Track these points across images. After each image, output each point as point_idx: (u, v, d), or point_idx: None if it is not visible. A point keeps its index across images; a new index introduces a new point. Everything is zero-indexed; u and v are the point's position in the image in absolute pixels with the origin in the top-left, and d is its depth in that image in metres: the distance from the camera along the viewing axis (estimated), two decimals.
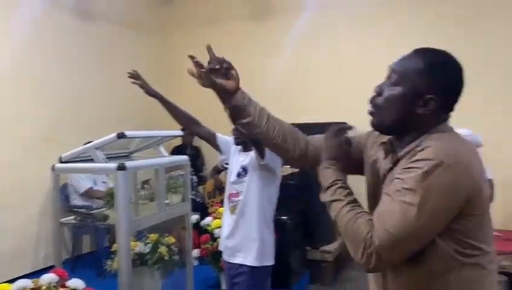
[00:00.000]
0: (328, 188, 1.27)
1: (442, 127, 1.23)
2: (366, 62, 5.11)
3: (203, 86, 1.99)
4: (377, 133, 1.39)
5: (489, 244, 1.21)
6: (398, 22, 5.26)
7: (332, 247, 4.49)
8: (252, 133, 1.51)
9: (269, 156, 2.41)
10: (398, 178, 1.15)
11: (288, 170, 4.15)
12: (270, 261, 2.56)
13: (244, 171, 2.56)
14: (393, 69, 1.27)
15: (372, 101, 1.30)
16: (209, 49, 1.45)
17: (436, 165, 1.09)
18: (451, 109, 1.26)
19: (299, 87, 5.59)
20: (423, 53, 1.25)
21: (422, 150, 1.15)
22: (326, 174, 1.31)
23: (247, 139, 2.50)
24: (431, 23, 5.08)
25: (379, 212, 1.15)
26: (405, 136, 1.26)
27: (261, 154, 2.42)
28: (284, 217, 3.73)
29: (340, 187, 1.26)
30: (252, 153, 2.51)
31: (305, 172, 4.04)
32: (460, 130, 3.70)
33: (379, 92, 1.28)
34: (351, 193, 1.25)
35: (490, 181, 3.47)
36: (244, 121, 1.44)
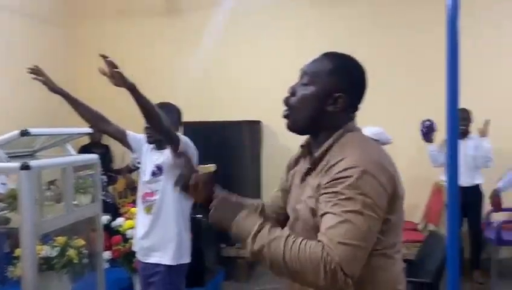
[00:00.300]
0: (258, 233, 1.20)
1: (350, 125, 1.35)
2: (281, 61, 5.26)
3: (116, 85, 1.96)
4: (293, 158, 1.48)
5: (398, 236, 1.32)
6: (314, 20, 5.48)
7: None
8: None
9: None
10: (328, 192, 1.20)
11: (205, 169, 4.15)
12: (186, 259, 2.57)
13: (159, 170, 2.53)
14: (305, 71, 1.37)
15: (286, 102, 1.37)
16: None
17: (363, 171, 1.18)
18: (357, 107, 1.39)
19: (212, 85, 5.60)
20: (331, 56, 1.38)
21: (342, 160, 1.22)
22: (245, 224, 1.23)
23: (161, 138, 2.47)
24: (348, 22, 5.37)
25: (326, 230, 1.16)
26: (319, 135, 1.35)
27: (176, 152, 2.41)
28: (199, 216, 3.73)
29: (271, 227, 1.22)
30: (167, 152, 2.49)
31: (221, 170, 4.04)
32: (372, 128, 3.97)
33: (292, 93, 1.37)
34: (282, 229, 1.23)
35: None
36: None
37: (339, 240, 1.12)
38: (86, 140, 5.46)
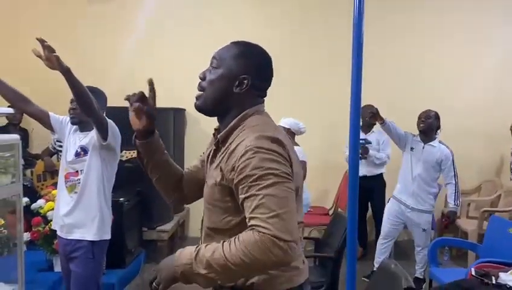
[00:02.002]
0: (196, 256, 1.27)
1: (257, 108, 1.46)
2: (204, 50, 5.35)
3: (51, 68, 2.02)
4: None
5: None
6: (244, 9, 5.67)
7: (168, 226, 4.70)
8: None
9: (111, 136, 2.51)
10: (239, 180, 1.29)
11: (127, 154, 4.20)
12: (108, 235, 2.68)
13: (83, 150, 2.60)
14: (214, 56, 1.49)
15: (199, 86, 1.49)
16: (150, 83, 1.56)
17: (261, 148, 1.29)
18: (263, 92, 1.51)
19: (141, 73, 5.59)
20: (239, 43, 1.51)
21: (240, 143, 1.33)
22: (183, 258, 1.29)
23: (86, 119, 2.53)
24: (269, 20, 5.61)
25: (252, 213, 1.24)
26: (226, 116, 1.46)
27: (103, 135, 2.50)
28: (121, 199, 3.79)
29: (205, 246, 1.28)
30: (92, 133, 2.56)
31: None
32: (285, 119, 4.23)
33: (203, 77, 1.49)
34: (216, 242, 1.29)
35: (304, 163, 4.07)
36: (143, 159, 1.61)
37: (266, 216, 1.21)
38: (3, 121, 5.26)
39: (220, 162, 1.40)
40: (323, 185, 5.62)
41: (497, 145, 5.33)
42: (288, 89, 5.55)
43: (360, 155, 4.86)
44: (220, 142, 1.45)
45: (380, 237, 4.27)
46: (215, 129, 1.53)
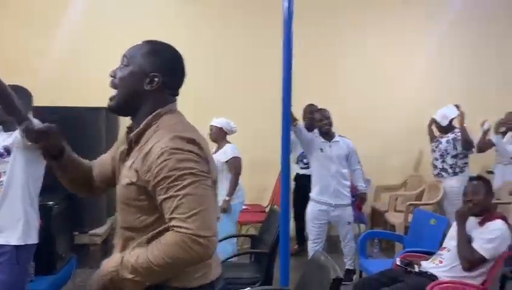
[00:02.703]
0: (122, 262, 1.31)
1: (169, 107, 1.46)
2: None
3: None
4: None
5: None
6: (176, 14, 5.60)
7: (101, 230, 4.56)
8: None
9: None
10: (157, 182, 1.29)
11: None
12: (34, 240, 2.57)
13: (6, 151, 2.48)
14: (125, 54, 1.48)
15: (111, 84, 1.47)
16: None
17: (176, 149, 1.30)
18: (175, 91, 1.50)
19: (72, 71, 5.40)
20: (149, 41, 1.51)
21: (155, 144, 1.33)
22: (109, 263, 1.34)
23: (8, 119, 2.42)
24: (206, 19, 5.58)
25: (172, 214, 1.27)
26: (138, 115, 1.45)
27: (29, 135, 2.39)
28: (49, 203, 3.64)
29: (129, 252, 1.33)
30: (16, 133, 2.45)
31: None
32: (217, 119, 4.26)
33: (113, 75, 1.47)
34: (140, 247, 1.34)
35: (238, 158, 4.16)
36: (54, 165, 1.57)
37: (186, 216, 1.25)
38: None
39: (133, 162, 1.39)
40: (260, 182, 5.70)
41: (421, 142, 5.65)
42: (224, 88, 5.62)
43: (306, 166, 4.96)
44: (133, 141, 1.44)
45: (309, 241, 4.28)
46: (128, 128, 1.50)
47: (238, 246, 4.51)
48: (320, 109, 4.32)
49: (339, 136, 4.27)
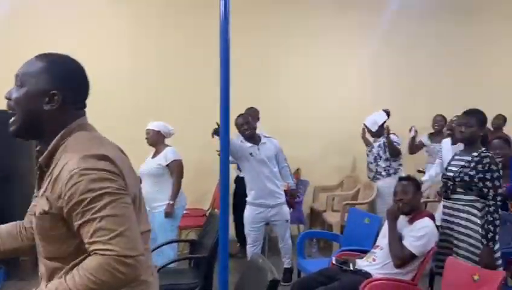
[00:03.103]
0: None
1: (78, 122, 1.35)
2: (76, 49, 5.08)
3: None
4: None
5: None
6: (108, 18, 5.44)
7: None
8: None
9: None
10: (71, 207, 1.22)
11: None
12: None
13: None
14: (17, 73, 1.35)
15: (7, 106, 1.35)
16: None
17: (87, 169, 1.22)
18: (80, 104, 1.40)
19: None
20: (43, 56, 1.37)
21: (64, 167, 1.24)
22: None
23: None
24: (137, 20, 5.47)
25: (92, 238, 1.20)
26: (44, 137, 1.34)
27: None
28: None
29: (45, 285, 1.24)
30: None
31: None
32: (155, 122, 4.18)
33: (9, 97, 1.34)
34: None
35: (179, 161, 4.12)
36: None
37: (107, 238, 1.18)
38: None
39: (45, 189, 1.29)
40: (201, 186, 5.67)
41: (357, 144, 5.85)
42: (164, 90, 5.53)
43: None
44: (43, 166, 1.34)
45: (248, 244, 4.29)
46: (37, 151, 1.39)
47: (179, 251, 4.46)
48: (241, 114, 4.30)
49: (265, 136, 4.29)
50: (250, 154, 4.15)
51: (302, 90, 6.05)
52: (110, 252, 1.18)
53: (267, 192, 4.15)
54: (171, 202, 4.05)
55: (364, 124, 5.22)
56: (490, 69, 6.65)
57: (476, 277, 2.58)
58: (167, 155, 4.12)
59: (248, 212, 4.26)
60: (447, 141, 4.67)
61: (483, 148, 3.03)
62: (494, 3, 6.68)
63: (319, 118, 6.04)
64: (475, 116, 3.04)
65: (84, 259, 1.24)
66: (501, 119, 5.89)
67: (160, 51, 5.54)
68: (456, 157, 3.14)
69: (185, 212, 4.41)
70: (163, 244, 3.75)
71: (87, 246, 1.21)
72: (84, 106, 1.41)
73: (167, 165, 4.09)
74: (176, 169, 4.11)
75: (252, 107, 4.99)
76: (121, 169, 1.29)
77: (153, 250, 3.76)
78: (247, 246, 4.29)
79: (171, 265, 3.55)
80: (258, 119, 4.97)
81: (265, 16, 5.87)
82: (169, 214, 4.04)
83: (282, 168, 4.37)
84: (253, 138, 4.21)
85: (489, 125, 4.63)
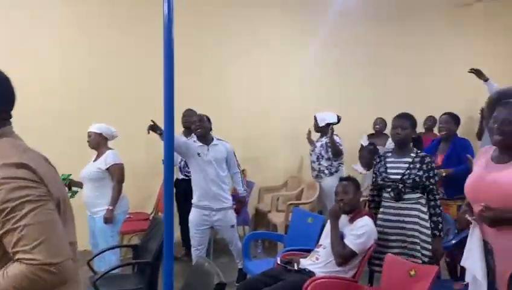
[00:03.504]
0: None
1: (3, 131, 1.37)
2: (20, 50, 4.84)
3: None
4: None
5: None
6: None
7: None
8: None
9: None
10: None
11: None
12: None
13: None
14: None
15: None
16: None
17: (5, 178, 1.22)
18: (6, 114, 1.40)
19: None
20: None
21: None
22: None
23: None
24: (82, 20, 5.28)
25: (15, 247, 1.19)
26: None
27: None
28: None
29: None
30: None
31: None
32: (97, 124, 4.04)
33: None
34: None
35: (119, 165, 3.97)
36: None
37: (31, 247, 1.19)
38: None
39: None
40: (145, 189, 5.57)
41: (300, 145, 5.97)
42: (107, 91, 5.37)
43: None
44: None
45: (193, 247, 4.23)
46: None
47: (121, 256, 4.35)
48: (198, 114, 4.29)
49: (218, 139, 4.25)
50: (198, 154, 4.10)
51: (245, 91, 6.09)
52: (34, 261, 1.19)
53: (211, 195, 4.10)
54: (110, 208, 3.91)
55: (315, 116, 5.33)
56: (425, 73, 7.00)
57: (412, 272, 2.72)
58: (107, 159, 3.98)
59: (193, 214, 4.20)
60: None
61: (417, 150, 3.23)
62: (434, 7, 7.04)
63: (264, 118, 6.11)
64: (409, 119, 3.26)
65: (9, 263, 1.24)
66: (432, 121, 6.21)
67: (103, 51, 5.37)
68: (391, 160, 3.30)
69: (127, 216, 4.30)
70: (105, 251, 3.65)
71: (11, 255, 1.22)
72: (10, 116, 1.42)
73: (107, 169, 3.96)
74: (116, 173, 3.97)
75: (190, 110, 4.98)
76: (42, 176, 1.29)
77: (95, 256, 3.67)
78: (192, 249, 4.24)
79: (114, 271, 3.45)
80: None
81: (209, 16, 5.84)
82: (108, 219, 3.90)
83: (233, 174, 4.33)
84: (204, 137, 4.16)
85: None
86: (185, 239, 5.26)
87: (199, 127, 4.12)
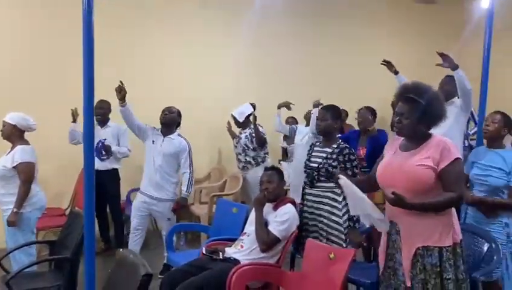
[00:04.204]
0: None
1: None
2: None
3: None
4: None
5: None
6: None
7: None
8: None
9: None
10: None
11: None
12: None
13: None
14: None
15: None
16: None
17: None
18: None
19: None
20: None
21: None
22: None
23: None
24: None
25: None
26: None
27: None
28: None
29: None
30: None
31: None
32: (13, 114, 3.72)
33: None
34: None
35: (27, 164, 3.64)
36: None
37: None
38: None
39: None
40: (60, 184, 5.31)
41: (223, 136, 5.99)
42: (29, 79, 5.09)
43: (105, 156, 4.81)
44: None
45: (131, 230, 4.33)
46: None
47: (37, 254, 4.09)
48: (169, 106, 4.42)
49: (179, 135, 4.38)
50: (153, 141, 4.30)
51: (166, 81, 5.99)
52: None
53: (154, 183, 4.24)
54: (15, 210, 3.56)
55: (232, 115, 5.38)
56: (342, 67, 7.26)
57: (331, 256, 2.86)
58: (15, 156, 3.62)
59: (136, 199, 4.38)
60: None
61: (341, 141, 3.38)
62: (355, 6, 7.35)
63: (185, 111, 6.03)
64: (329, 110, 3.38)
65: None
66: (344, 113, 6.49)
67: (24, 41, 5.05)
68: (316, 149, 3.44)
69: (43, 212, 4.04)
70: (17, 249, 3.43)
71: None
72: None
73: (14, 167, 3.60)
74: (22, 172, 3.60)
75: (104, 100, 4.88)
76: None
77: (6, 254, 3.43)
78: (130, 232, 4.35)
79: (30, 269, 3.24)
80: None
81: (131, 7, 5.67)
82: (12, 223, 3.55)
83: (182, 173, 4.39)
84: (167, 128, 4.32)
85: None
86: (102, 233, 5.12)
87: (166, 117, 4.32)
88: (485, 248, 2.96)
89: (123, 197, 5.45)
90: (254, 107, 5.34)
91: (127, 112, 4.22)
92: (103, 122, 4.98)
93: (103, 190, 4.44)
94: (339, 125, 3.45)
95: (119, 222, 5.14)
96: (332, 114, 3.38)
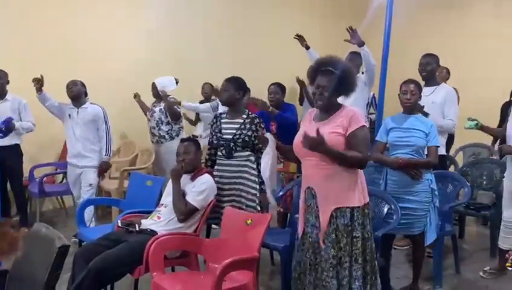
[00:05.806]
0: None
1: None
2: None
3: None
4: None
5: None
6: None
7: None
8: None
9: None
10: None
11: None
12: None
13: None
14: None
15: None
16: None
17: None
18: None
19: None
20: None
21: None
22: None
23: None
24: None
25: None
26: None
27: None
28: None
29: None
30: None
31: None
32: None
33: None
34: None
35: None
36: None
37: None
38: None
39: None
40: None
41: (132, 110, 5.80)
42: None
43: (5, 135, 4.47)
44: None
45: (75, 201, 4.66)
46: None
47: None
48: (73, 80, 4.53)
49: (91, 103, 4.57)
50: (69, 115, 4.49)
51: (80, 51, 5.67)
52: None
53: (75, 153, 4.51)
54: None
55: (154, 84, 5.16)
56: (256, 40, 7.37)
57: (249, 221, 2.97)
58: None
59: (67, 171, 4.71)
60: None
61: (248, 111, 3.48)
62: None
63: (97, 80, 5.74)
64: (231, 82, 3.47)
65: None
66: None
67: None
68: (225, 121, 3.50)
69: None
70: None
71: None
72: None
73: None
74: None
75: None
76: None
77: None
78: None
79: None
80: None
81: None
82: None
83: (100, 137, 4.57)
84: (77, 100, 4.50)
85: None
86: (4, 210, 4.79)
87: (71, 89, 4.45)
88: (385, 209, 3.27)
89: (26, 174, 5.11)
90: (177, 82, 5.22)
91: (45, 97, 4.44)
92: (0, 95, 4.58)
93: (3, 166, 4.20)
94: (241, 96, 3.50)
95: (22, 200, 4.83)
96: (235, 85, 3.46)
